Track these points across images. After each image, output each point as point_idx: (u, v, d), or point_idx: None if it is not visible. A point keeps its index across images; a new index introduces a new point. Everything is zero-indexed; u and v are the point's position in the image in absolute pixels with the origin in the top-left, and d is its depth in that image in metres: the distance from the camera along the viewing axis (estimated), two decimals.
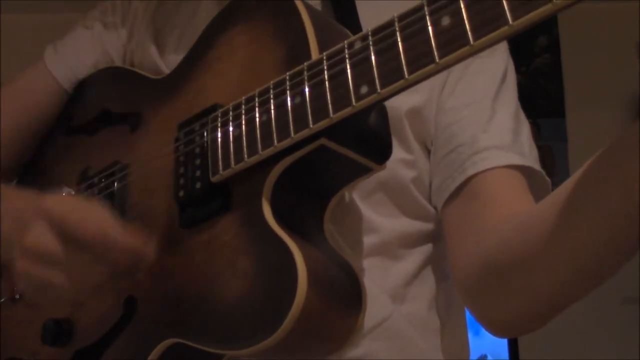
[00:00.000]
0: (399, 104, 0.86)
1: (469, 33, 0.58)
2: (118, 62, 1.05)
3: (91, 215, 0.78)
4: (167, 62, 0.97)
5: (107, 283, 0.81)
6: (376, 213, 0.88)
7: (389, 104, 0.76)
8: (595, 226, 0.66)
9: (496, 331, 0.83)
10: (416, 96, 0.88)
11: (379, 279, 0.87)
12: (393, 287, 0.88)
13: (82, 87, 1.07)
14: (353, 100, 0.66)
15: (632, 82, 2.75)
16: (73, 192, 0.95)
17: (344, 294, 0.73)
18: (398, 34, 0.64)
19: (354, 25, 0.87)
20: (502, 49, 0.94)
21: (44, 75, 1.07)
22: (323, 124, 0.69)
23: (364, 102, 0.66)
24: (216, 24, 0.88)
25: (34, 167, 1.09)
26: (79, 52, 1.07)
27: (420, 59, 0.62)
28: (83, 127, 1.03)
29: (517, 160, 0.85)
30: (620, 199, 0.64)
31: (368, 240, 0.88)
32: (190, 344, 0.75)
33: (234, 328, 0.72)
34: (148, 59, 1.00)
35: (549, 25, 3.15)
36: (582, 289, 0.72)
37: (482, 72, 0.90)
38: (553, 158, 2.92)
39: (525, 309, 0.77)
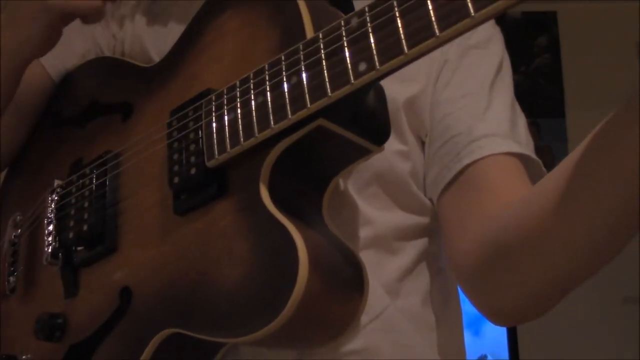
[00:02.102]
0: (396, 95, 0.85)
1: (470, 4, 0.57)
2: (107, 53, 1.04)
3: None
4: (159, 51, 0.96)
5: None
6: (371, 206, 0.87)
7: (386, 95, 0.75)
8: (594, 207, 0.66)
9: (497, 318, 0.82)
10: (413, 86, 0.87)
11: (375, 272, 0.85)
12: (388, 281, 0.87)
13: (70, 79, 1.05)
14: (352, 77, 0.64)
15: (632, 83, 2.74)
16: (63, 184, 0.94)
17: (345, 278, 0.72)
18: (396, 8, 0.62)
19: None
20: (497, 40, 0.93)
21: (35, 65, 1.04)
22: (321, 103, 0.67)
23: (363, 80, 0.64)
24: (207, 9, 0.86)
25: (24, 159, 1.07)
26: (68, 41, 1.05)
27: (420, 32, 0.60)
28: (73, 119, 1.01)
29: (515, 147, 0.84)
30: (617, 183, 0.63)
31: (363, 233, 0.86)
32: (188, 333, 0.73)
33: (234, 315, 0.70)
34: (139, 48, 0.99)
35: (549, 25, 3.14)
36: (585, 269, 0.72)
37: (477, 63, 0.89)
38: (553, 158, 2.91)
39: (528, 292, 0.76)
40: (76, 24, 1.07)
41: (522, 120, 0.89)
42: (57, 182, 0.95)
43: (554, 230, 0.70)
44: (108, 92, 0.98)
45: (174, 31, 0.95)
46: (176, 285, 0.76)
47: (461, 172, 0.83)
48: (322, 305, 0.69)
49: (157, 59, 0.95)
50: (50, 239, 0.91)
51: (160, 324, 0.76)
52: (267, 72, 0.72)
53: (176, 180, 0.78)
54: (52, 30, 0.94)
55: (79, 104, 1.01)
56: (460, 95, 0.87)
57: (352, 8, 0.88)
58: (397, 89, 0.72)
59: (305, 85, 0.68)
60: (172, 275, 0.77)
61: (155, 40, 0.99)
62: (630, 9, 2.72)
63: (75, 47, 1.05)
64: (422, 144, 0.90)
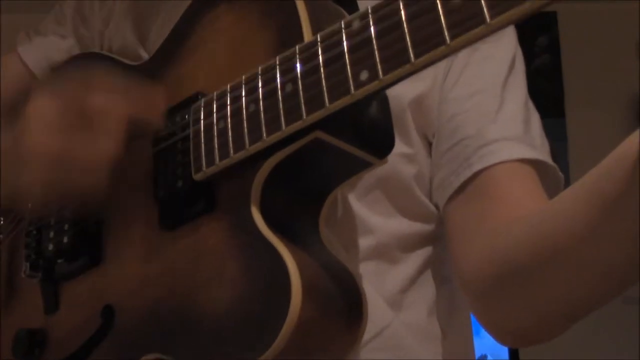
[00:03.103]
0: (402, 93, 0.79)
1: (485, 10, 0.51)
2: (95, 48, 0.99)
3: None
4: (149, 48, 0.91)
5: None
6: (372, 212, 0.82)
7: (390, 93, 0.69)
8: (613, 230, 0.62)
9: (506, 339, 0.79)
10: (420, 84, 0.82)
11: (376, 284, 0.81)
12: (390, 293, 0.82)
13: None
14: (352, 88, 0.59)
15: (632, 82, 2.74)
16: None
17: (342, 304, 0.66)
18: (402, 11, 0.56)
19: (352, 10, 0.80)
20: (510, 34, 0.87)
21: (16, 63, 1.02)
22: (318, 115, 0.61)
23: (364, 90, 0.58)
24: (198, 5, 0.81)
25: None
26: (53, 38, 1.02)
27: (428, 40, 0.54)
28: None
29: (528, 153, 0.78)
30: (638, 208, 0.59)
31: (364, 242, 0.82)
32: None
33: (221, 344, 0.65)
34: (127, 44, 0.94)
35: (549, 25, 3.12)
36: (600, 295, 0.67)
37: (489, 59, 0.84)
38: (553, 158, 2.90)
39: (538, 316, 0.72)
40: (60, 19, 1.03)
41: (536, 119, 0.83)
42: None
43: (568, 253, 0.65)
44: None
45: (163, 26, 0.90)
46: (161, 306, 0.72)
47: (471, 179, 0.78)
48: (318, 334, 0.64)
49: (146, 56, 0.90)
50: (29, 250, 0.86)
51: (143, 348, 0.71)
52: (260, 78, 0.67)
53: (162, 192, 0.74)
54: None
55: None
56: (470, 94, 0.82)
57: (355, 3, 0.83)
58: (402, 87, 0.66)
59: (301, 95, 0.62)
60: (157, 295, 0.72)
61: (143, 37, 0.94)
62: (630, 9, 2.70)
63: (60, 43, 1.02)
64: (429, 144, 0.85)
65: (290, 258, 0.62)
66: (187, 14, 0.82)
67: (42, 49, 1.01)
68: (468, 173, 0.78)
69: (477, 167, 0.78)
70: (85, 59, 0.97)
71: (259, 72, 0.67)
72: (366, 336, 0.73)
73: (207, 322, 0.66)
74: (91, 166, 0.73)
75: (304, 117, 0.62)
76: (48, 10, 1.08)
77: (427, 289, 0.86)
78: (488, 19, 0.51)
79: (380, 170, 0.75)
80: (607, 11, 2.95)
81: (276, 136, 0.64)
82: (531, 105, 0.85)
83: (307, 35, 0.66)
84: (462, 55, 0.83)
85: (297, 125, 0.63)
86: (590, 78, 2.99)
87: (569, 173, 2.78)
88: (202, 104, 0.72)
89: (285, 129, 0.63)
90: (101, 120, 0.73)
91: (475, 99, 0.82)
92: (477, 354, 2.69)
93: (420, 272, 0.85)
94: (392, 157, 0.72)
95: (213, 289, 0.66)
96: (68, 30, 1.02)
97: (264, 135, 0.64)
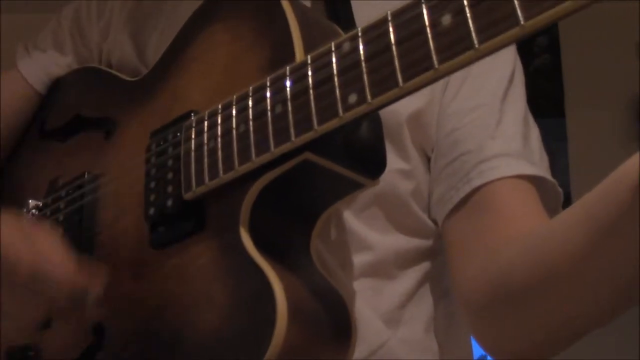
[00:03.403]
0: (399, 109, 0.78)
1: (474, 35, 0.51)
2: (94, 62, 0.99)
3: (25, 247, 0.72)
4: (147, 62, 0.90)
5: (54, 317, 0.75)
6: (369, 229, 0.81)
7: (387, 108, 0.69)
8: (614, 251, 0.61)
9: (500, 357, 0.76)
10: (417, 99, 0.81)
11: (372, 301, 0.80)
12: (387, 309, 0.81)
13: (57, 87, 1.01)
14: (340, 110, 0.58)
15: (632, 82, 2.73)
16: (40, 204, 0.89)
17: (330, 328, 0.65)
18: (392, 35, 0.56)
19: (349, 26, 0.79)
20: (510, 47, 0.86)
21: (17, 79, 1.02)
22: (306, 137, 0.61)
23: (353, 113, 0.58)
24: (195, 21, 0.80)
25: (7, 172, 1.02)
26: (53, 53, 1.01)
27: (416, 64, 0.54)
28: (55, 132, 0.96)
29: (527, 169, 0.77)
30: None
31: (360, 259, 0.81)
32: None
33: None
34: (126, 59, 0.94)
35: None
36: (600, 316, 0.66)
37: (488, 72, 0.83)
38: (553, 158, 2.88)
39: (539, 335, 0.71)
40: (58, 33, 1.02)
41: (535, 134, 0.83)
42: (32, 203, 0.89)
43: (567, 273, 0.64)
44: (92, 106, 0.93)
45: (161, 39, 0.90)
46: (150, 325, 0.71)
47: (470, 195, 0.77)
48: (304, 358, 0.63)
49: (144, 70, 0.90)
50: None
51: None
52: (250, 97, 0.66)
53: (152, 211, 0.73)
54: None
55: (63, 115, 0.96)
56: (469, 108, 0.81)
57: (350, 15, 0.82)
58: (399, 102, 0.66)
59: (290, 117, 0.62)
60: (147, 314, 0.72)
61: (141, 51, 0.93)
62: (630, 9, 2.69)
63: (60, 58, 1.01)
64: (427, 159, 0.84)
65: (277, 281, 0.61)
66: (184, 30, 0.82)
67: (42, 64, 1.01)
68: (467, 189, 0.77)
69: (477, 182, 0.77)
70: (85, 73, 0.97)
71: (250, 92, 0.66)
72: (361, 355, 0.72)
73: (194, 343, 0.65)
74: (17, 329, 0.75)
75: (293, 139, 0.61)
76: (48, 10, 1.07)
77: (424, 305, 0.85)
78: (477, 44, 0.50)
79: (377, 187, 0.74)
80: (607, 11, 2.93)
81: (265, 157, 0.63)
82: (530, 118, 0.84)
83: (299, 55, 0.66)
84: None
85: (286, 147, 0.62)
86: (590, 78, 2.97)
87: (569, 173, 2.76)
88: (194, 122, 0.71)
89: (274, 151, 0.62)
90: (33, 287, 0.72)
91: (475, 113, 0.81)
92: (477, 354, 2.69)
93: (417, 287, 0.84)
94: (389, 173, 0.72)
95: (201, 310, 0.66)
96: (67, 48, 1.01)
97: (253, 156, 0.64)
